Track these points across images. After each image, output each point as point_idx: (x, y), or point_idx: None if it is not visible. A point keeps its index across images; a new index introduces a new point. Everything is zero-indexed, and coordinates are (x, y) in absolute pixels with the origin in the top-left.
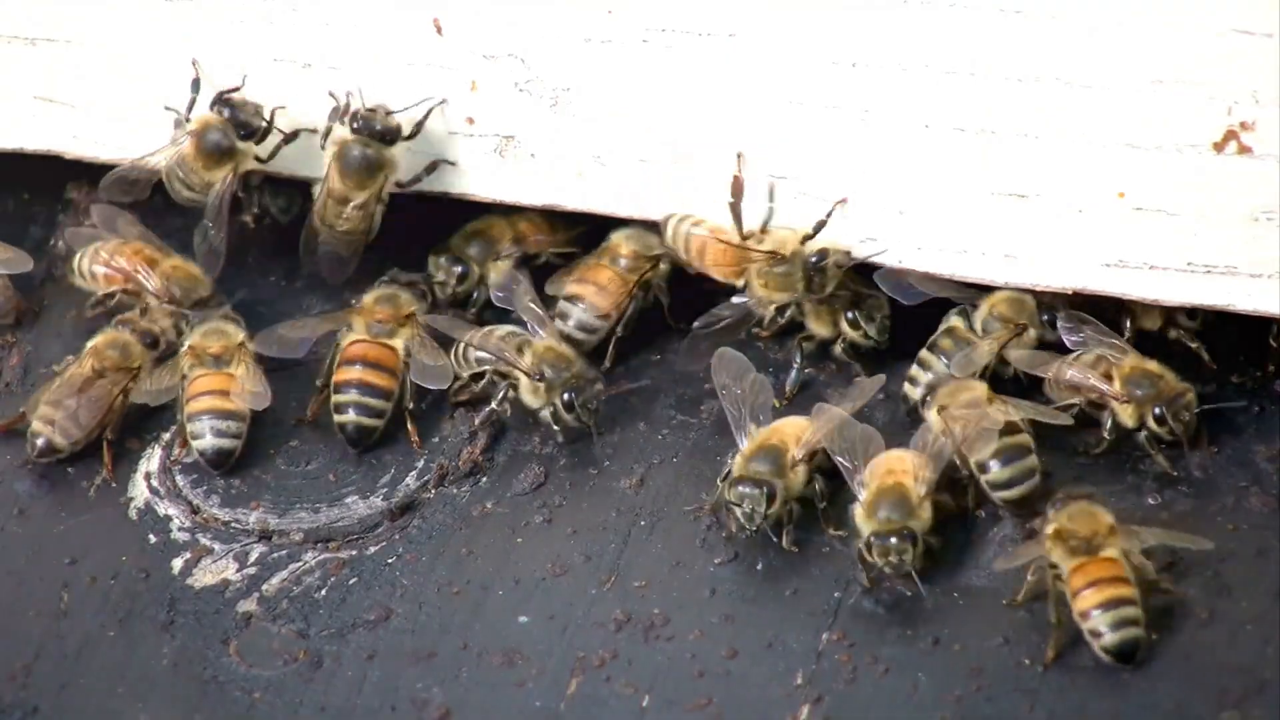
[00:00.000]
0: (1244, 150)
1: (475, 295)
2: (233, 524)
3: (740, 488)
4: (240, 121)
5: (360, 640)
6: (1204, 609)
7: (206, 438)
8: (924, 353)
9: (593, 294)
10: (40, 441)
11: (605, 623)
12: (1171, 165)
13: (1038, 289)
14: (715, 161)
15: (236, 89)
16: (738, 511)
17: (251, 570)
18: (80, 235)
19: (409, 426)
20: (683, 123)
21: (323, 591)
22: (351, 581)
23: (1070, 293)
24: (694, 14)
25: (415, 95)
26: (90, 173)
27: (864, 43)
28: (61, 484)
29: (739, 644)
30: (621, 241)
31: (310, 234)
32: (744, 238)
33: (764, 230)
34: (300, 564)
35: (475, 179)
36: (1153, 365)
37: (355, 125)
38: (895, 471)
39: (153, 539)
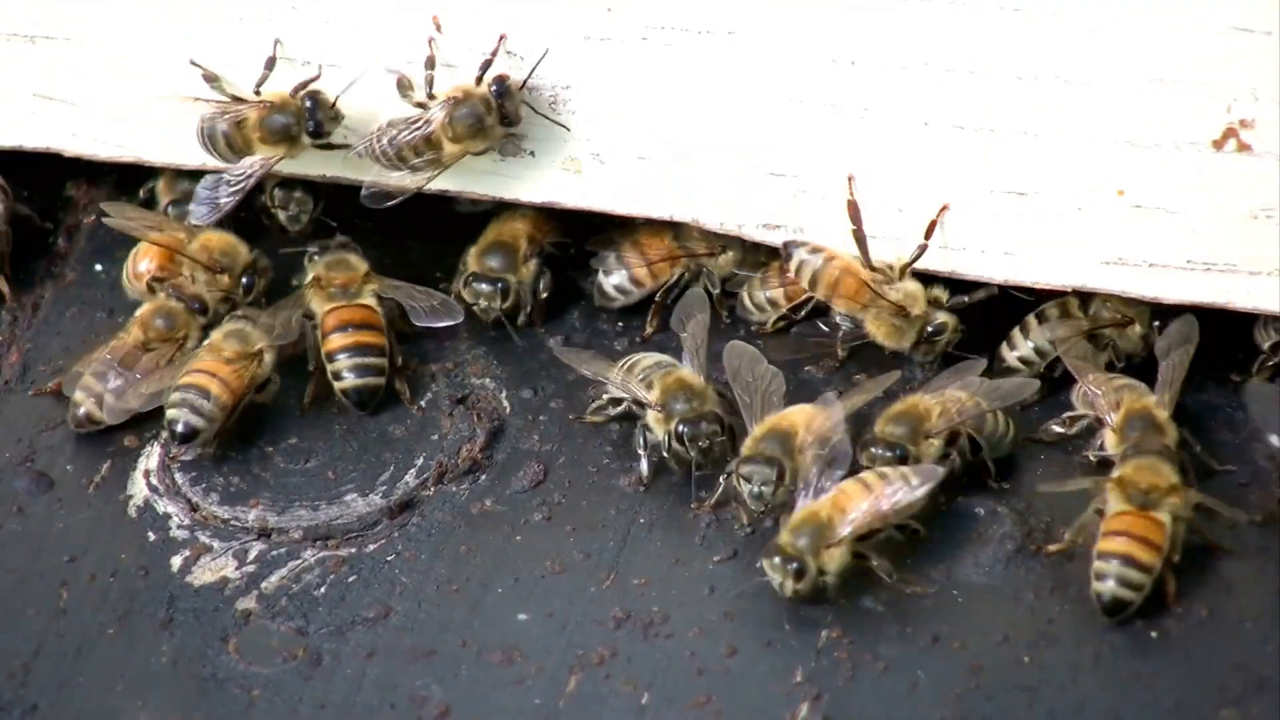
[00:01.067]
0: (1243, 148)
1: (522, 306)
2: (232, 521)
3: (750, 465)
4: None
5: (359, 638)
6: (1204, 607)
7: (179, 410)
8: (1029, 317)
9: (637, 258)
10: (80, 412)
11: (604, 620)
12: (1171, 163)
13: (1036, 287)
14: (715, 160)
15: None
16: (746, 489)
17: (251, 568)
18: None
19: (398, 385)
20: (682, 121)
21: (322, 589)
22: (350, 579)
23: (1069, 290)
24: (693, 12)
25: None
26: (89, 171)
27: (863, 41)
28: (61, 482)
29: (738, 642)
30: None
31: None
32: (870, 266)
33: (904, 271)
34: (299, 561)
35: (475, 177)
36: (1160, 413)
37: (494, 89)
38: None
39: (152, 537)
